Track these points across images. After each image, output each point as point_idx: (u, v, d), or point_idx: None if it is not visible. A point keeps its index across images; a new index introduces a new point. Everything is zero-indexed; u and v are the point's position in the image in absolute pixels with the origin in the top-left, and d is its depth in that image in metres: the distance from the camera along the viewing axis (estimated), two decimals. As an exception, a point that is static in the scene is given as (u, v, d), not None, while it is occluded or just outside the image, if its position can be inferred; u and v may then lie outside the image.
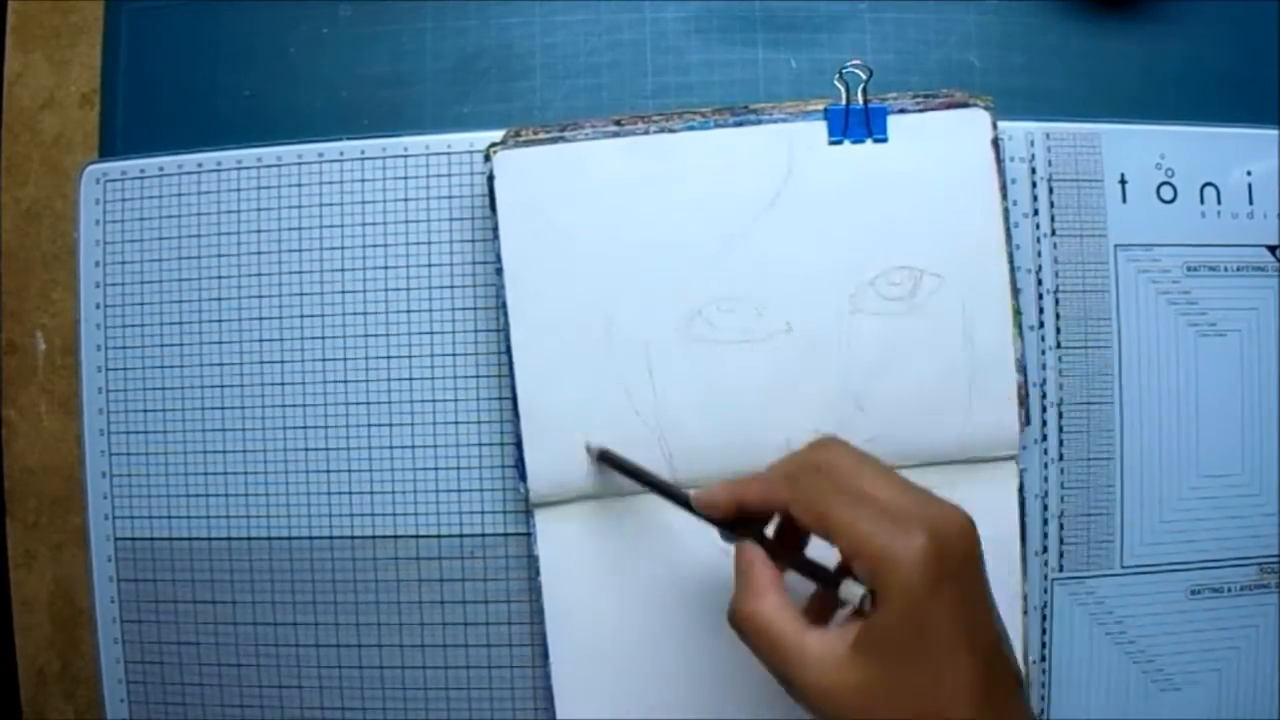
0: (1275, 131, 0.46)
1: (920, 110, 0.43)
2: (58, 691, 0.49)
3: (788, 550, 0.35)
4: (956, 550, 0.30)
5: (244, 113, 0.48)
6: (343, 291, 0.47)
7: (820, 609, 0.35)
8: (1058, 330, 0.46)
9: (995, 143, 0.43)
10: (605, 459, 0.42)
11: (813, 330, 0.43)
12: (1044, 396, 0.46)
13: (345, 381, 0.46)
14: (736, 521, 0.35)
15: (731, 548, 0.36)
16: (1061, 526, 0.45)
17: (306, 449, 0.46)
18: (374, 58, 0.48)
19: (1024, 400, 0.43)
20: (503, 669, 0.46)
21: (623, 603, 0.44)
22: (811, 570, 0.34)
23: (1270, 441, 0.46)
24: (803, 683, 0.31)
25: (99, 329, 0.48)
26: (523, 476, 0.43)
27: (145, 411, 0.47)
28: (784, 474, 0.34)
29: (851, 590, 0.31)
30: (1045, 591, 0.45)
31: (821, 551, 0.33)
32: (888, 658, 0.29)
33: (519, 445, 0.43)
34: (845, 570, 0.32)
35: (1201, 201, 0.46)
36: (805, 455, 0.34)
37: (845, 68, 0.44)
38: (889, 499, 0.31)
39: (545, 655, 0.44)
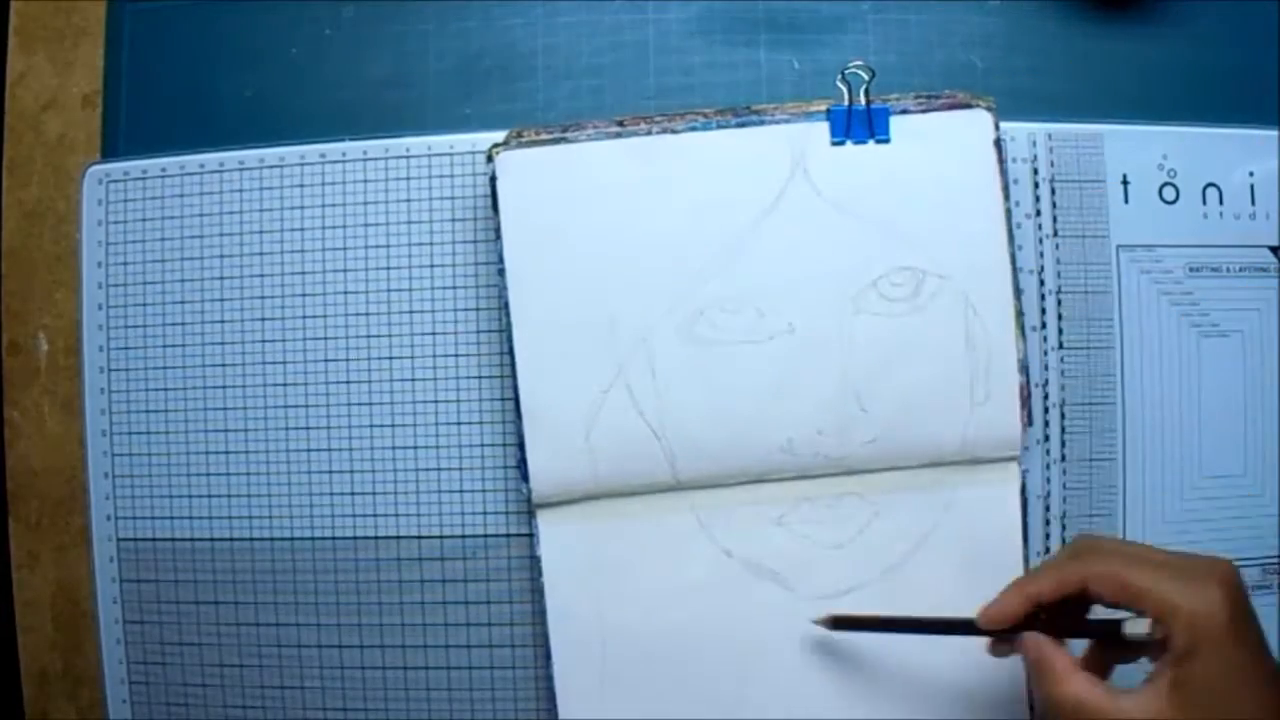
0: (1277, 132, 0.46)
1: (923, 111, 0.43)
2: (60, 692, 0.49)
3: (1061, 629, 0.37)
4: (1243, 595, 0.33)
5: (246, 113, 0.48)
6: (345, 292, 0.47)
7: (1094, 667, 0.37)
8: (1060, 331, 0.46)
9: (998, 143, 0.43)
10: (840, 624, 0.42)
11: (815, 331, 0.43)
12: (1046, 397, 0.45)
13: (348, 382, 0.46)
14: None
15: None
16: (1064, 527, 0.45)
17: (309, 450, 0.47)
18: (376, 59, 0.48)
19: (1026, 401, 0.43)
20: (505, 670, 0.46)
21: (624, 603, 0.44)
22: (1090, 628, 0.37)
23: (1272, 442, 0.46)
24: None
25: (101, 330, 0.48)
26: (525, 477, 0.43)
27: (148, 412, 0.47)
28: (1066, 558, 0.37)
29: (1137, 626, 0.34)
30: (1047, 592, 0.45)
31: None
32: (1207, 703, 0.32)
33: (521, 446, 0.43)
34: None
35: (1204, 202, 0.46)
36: (1074, 546, 0.37)
37: (848, 68, 0.44)
38: (1168, 560, 0.34)
39: (547, 656, 0.44)
